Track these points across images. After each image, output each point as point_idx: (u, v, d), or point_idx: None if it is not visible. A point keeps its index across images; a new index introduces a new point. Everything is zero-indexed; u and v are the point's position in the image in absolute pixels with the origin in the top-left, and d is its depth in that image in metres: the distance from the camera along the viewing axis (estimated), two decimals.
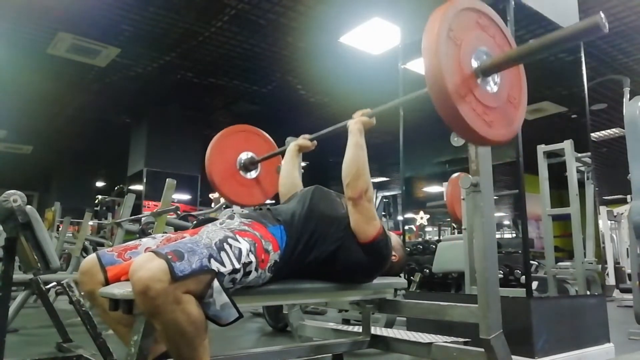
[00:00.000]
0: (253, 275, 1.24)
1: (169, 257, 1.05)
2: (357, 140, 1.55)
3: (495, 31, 1.19)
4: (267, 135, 2.33)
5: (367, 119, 1.62)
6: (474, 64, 1.10)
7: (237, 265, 1.17)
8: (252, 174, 2.25)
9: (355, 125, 1.59)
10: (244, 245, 1.23)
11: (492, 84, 1.14)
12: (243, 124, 2.33)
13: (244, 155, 2.22)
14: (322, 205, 1.51)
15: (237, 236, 1.24)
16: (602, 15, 0.95)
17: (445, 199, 4.60)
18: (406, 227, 7.03)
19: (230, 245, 1.19)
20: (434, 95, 1.03)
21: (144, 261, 1.05)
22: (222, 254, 1.16)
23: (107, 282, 1.23)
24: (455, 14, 1.07)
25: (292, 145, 1.96)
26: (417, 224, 9.36)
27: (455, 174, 4.60)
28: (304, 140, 1.96)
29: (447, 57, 1.02)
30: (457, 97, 1.02)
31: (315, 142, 1.98)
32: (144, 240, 1.40)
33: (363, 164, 1.49)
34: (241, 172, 2.22)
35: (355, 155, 1.50)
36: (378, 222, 1.48)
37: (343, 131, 1.67)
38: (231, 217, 1.41)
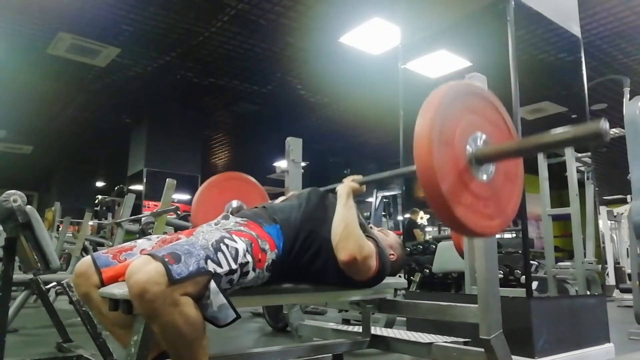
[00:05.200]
0: (251, 275, 1.24)
1: (166, 259, 1.05)
2: (345, 201, 1.49)
3: (485, 107, 1.16)
4: (257, 183, 2.23)
5: (357, 185, 1.57)
6: (469, 150, 1.07)
7: (234, 266, 1.17)
8: None
9: (343, 189, 1.54)
10: (241, 245, 1.22)
11: (488, 170, 1.11)
12: (232, 172, 2.27)
13: (234, 204, 2.12)
14: (318, 208, 1.50)
15: (234, 236, 1.24)
16: (606, 123, 0.91)
17: None
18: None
19: (227, 246, 1.19)
20: (430, 200, 1.01)
21: (141, 264, 1.04)
22: (219, 254, 1.15)
23: (102, 284, 1.23)
24: (443, 114, 1.02)
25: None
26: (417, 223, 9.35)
27: None
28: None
29: (441, 163, 0.99)
30: (453, 201, 0.99)
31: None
32: (139, 241, 1.39)
33: (352, 222, 1.42)
34: None
35: (342, 215, 1.44)
36: (374, 264, 1.43)
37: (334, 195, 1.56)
38: (226, 218, 1.40)
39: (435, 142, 0.99)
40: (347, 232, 1.39)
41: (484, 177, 1.10)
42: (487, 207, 1.09)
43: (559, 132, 1.00)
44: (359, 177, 1.61)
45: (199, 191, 2.09)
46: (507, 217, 1.16)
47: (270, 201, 1.77)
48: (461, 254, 4.21)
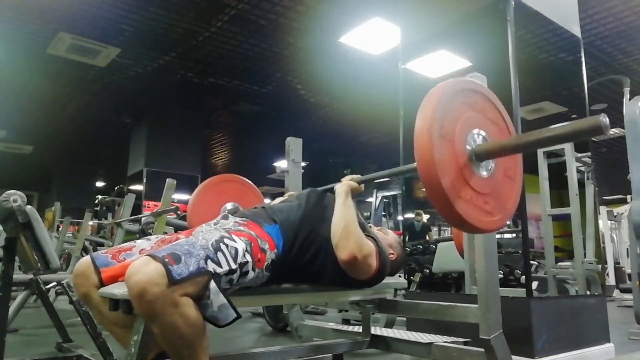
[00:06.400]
0: (251, 275, 1.24)
1: (166, 260, 1.05)
2: (344, 200, 1.48)
3: (484, 105, 1.15)
4: (252, 184, 2.23)
5: (355, 185, 1.57)
6: (468, 147, 1.07)
7: (234, 266, 1.17)
8: None
9: (342, 188, 1.54)
10: (240, 245, 1.22)
11: (487, 166, 1.11)
12: (228, 174, 2.25)
13: (229, 206, 2.09)
14: (318, 208, 1.50)
15: (233, 236, 1.24)
16: (605, 118, 0.90)
17: None
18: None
19: (227, 246, 1.19)
20: (430, 195, 1.00)
21: (141, 265, 1.04)
22: (219, 254, 1.15)
23: (101, 284, 1.23)
24: (443, 108, 1.02)
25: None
26: None
27: None
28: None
29: (441, 157, 0.99)
30: (454, 195, 0.99)
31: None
32: (138, 241, 1.39)
33: (351, 221, 1.41)
34: None
35: (342, 214, 1.43)
36: (374, 263, 1.41)
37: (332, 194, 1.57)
38: (225, 218, 1.40)
39: (436, 137, 0.98)
40: (347, 231, 1.37)
41: (484, 173, 1.10)
42: (487, 203, 1.09)
43: (559, 126, 1.00)
44: (357, 177, 1.61)
45: (195, 193, 2.09)
46: (506, 213, 1.17)
47: (268, 202, 1.77)
48: (461, 254, 4.22)
